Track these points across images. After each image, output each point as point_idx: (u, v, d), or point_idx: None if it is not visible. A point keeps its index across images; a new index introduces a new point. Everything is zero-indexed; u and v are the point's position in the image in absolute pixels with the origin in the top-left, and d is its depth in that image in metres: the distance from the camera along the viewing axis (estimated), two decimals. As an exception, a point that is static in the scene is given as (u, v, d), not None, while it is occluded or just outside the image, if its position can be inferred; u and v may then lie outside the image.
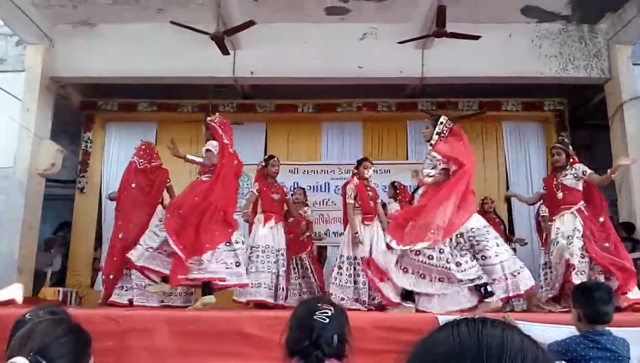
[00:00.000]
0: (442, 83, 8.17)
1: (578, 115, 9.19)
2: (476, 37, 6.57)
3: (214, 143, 5.03)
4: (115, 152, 9.38)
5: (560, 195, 5.10)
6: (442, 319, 3.27)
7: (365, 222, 5.80)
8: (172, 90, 8.64)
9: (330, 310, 1.82)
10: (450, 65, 7.49)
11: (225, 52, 6.86)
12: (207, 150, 5.02)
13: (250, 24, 6.41)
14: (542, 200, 6.11)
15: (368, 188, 5.98)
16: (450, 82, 8.06)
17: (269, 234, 5.89)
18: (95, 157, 9.21)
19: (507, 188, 8.96)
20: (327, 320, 1.77)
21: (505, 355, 0.61)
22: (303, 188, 7.40)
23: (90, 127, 9.23)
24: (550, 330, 3.04)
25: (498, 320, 0.67)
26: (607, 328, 2.49)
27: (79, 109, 9.17)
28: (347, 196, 5.87)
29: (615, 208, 7.78)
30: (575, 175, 5.09)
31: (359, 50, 7.65)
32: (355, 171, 6.11)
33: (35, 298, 7.00)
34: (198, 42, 6.87)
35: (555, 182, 5.22)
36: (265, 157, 6.43)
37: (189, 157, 5.15)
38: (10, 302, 6.39)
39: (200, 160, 5.05)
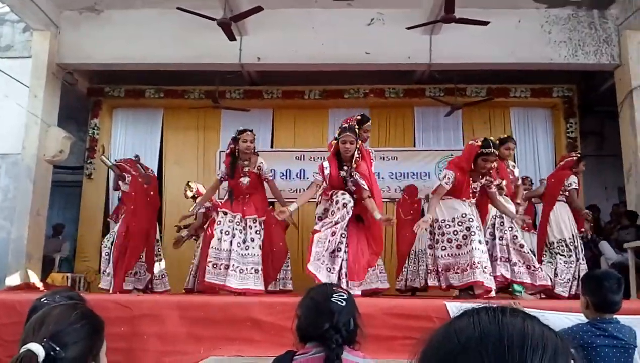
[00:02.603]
0: (450, 69, 8.12)
1: (587, 102, 9.13)
2: (485, 23, 6.51)
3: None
4: (122, 139, 9.41)
5: None
6: (450, 306, 3.29)
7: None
8: (179, 76, 8.63)
9: (345, 294, 1.83)
10: (458, 51, 7.43)
11: (232, 38, 6.84)
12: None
13: (257, 9, 6.37)
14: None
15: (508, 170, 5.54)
16: (458, 68, 8.01)
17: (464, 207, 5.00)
18: (103, 143, 9.23)
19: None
20: (344, 303, 1.78)
21: (526, 344, 0.61)
22: (252, 130, 5.27)
23: (97, 114, 9.25)
24: (558, 317, 3.05)
25: (518, 309, 0.67)
26: (615, 316, 2.49)
27: (86, 96, 9.18)
28: None
29: (624, 196, 7.77)
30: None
31: (366, 36, 7.59)
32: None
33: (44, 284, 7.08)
34: (205, 28, 6.85)
35: None
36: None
37: None
38: (22, 287, 6.46)
39: None
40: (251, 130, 5.09)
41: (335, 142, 4.72)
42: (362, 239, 4.65)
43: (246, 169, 5.03)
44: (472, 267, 4.41)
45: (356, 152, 4.56)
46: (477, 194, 4.73)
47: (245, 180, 5.01)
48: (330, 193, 4.67)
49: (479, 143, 4.58)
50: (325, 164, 4.64)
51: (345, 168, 4.61)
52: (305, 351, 1.75)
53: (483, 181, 4.71)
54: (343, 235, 4.54)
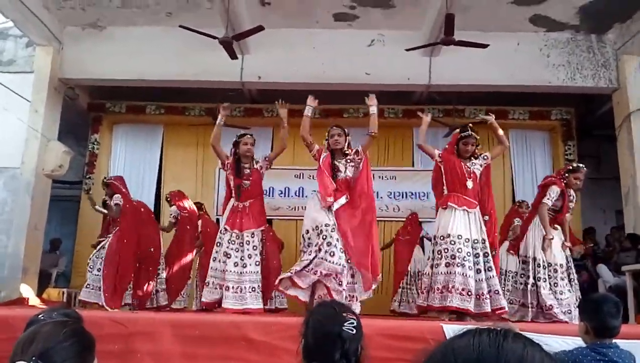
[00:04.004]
0: (449, 91, 8.18)
1: (585, 125, 9.18)
2: (484, 46, 6.57)
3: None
4: (122, 154, 9.43)
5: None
6: (447, 328, 3.26)
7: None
8: (180, 93, 8.68)
9: (355, 319, 1.78)
10: (457, 73, 7.50)
11: (233, 56, 6.89)
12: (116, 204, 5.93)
13: (259, 29, 6.43)
14: None
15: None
16: (457, 89, 8.07)
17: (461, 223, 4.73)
18: (102, 158, 9.26)
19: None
20: (354, 330, 1.74)
21: None
22: (251, 134, 5.40)
23: (98, 129, 9.28)
24: (555, 341, 3.03)
25: (521, 335, 0.66)
26: (614, 341, 2.47)
27: (86, 111, 9.23)
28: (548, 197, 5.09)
29: (621, 219, 7.76)
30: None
31: (366, 57, 7.66)
32: (566, 176, 5.29)
33: (40, 299, 7.03)
34: (206, 46, 6.90)
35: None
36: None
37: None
38: (15, 302, 6.42)
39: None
40: (251, 134, 5.25)
41: (326, 141, 4.88)
42: (358, 231, 4.57)
43: (247, 171, 5.06)
44: (450, 290, 4.42)
45: (346, 145, 4.75)
46: (470, 176, 4.75)
47: (246, 183, 5.01)
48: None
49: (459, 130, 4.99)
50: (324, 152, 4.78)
51: (339, 160, 4.72)
52: None
53: (475, 161, 4.85)
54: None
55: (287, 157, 9.22)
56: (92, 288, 5.66)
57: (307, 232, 4.59)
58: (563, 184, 5.21)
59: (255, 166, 5.13)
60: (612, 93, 7.73)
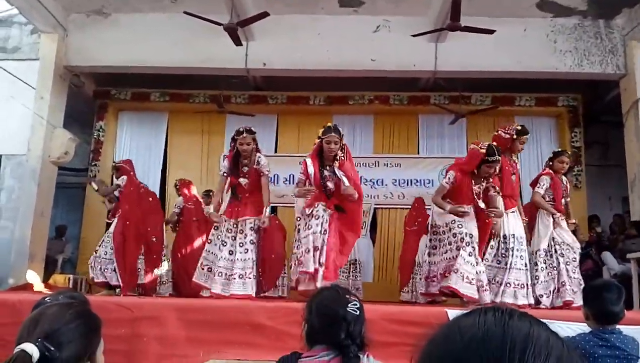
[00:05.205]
0: (455, 77, 8.12)
1: (592, 111, 9.11)
2: (491, 31, 6.51)
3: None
4: (127, 141, 9.46)
5: None
6: (451, 313, 3.27)
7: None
8: (185, 80, 8.66)
9: (357, 301, 1.80)
10: (463, 59, 7.44)
11: (238, 43, 6.86)
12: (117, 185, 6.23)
13: (263, 15, 6.40)
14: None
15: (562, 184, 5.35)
16: (463, 76, 8.01)
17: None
18: (108, 145, 9.29)
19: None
20: (358, 312, 1.76)
21: (529, 350, 0.59)
22: (250, 131, 5.04)
23: (103, 116, 9.30)
24: (559, 326, 3.03)
25: (527, 314, 0.66)
26: (618, 326, 2.47)
27: (92, 98, 9.24)
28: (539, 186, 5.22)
29: (627, 206, 7.73)
30: None
31: (372, 43, 7.60)
32: (550, 164, 5.42)
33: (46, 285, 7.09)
34: (211, 32, 6.88)
35: None
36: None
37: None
38: (23, 287, 6.48)
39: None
40: (249, 132, 4.95)
41: (318, 141, 4.71)
42: (337, 235, 4.64)
43: (245, 169, 4.96)
44: (450, 273, 4.43)
45: (339, 152, 4.63)
46: (480, 197, 4.72)
47: (244, 181, 4.94)
48: (312, 210, 4.61)
49: (484, 150, 4.60)
50: (309, 161, 4.64)
51: (328, 167, 4.64)
52: (312, 354, 1.73)
53: (484, 184, 4.72)
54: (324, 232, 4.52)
55: (291, 144, 9.24)
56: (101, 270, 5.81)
57: (298, 218, 4.71)
58: (550, 172, 5.32)
59: (255, 166, 4.97)
60: (619, 79, 7.65)
